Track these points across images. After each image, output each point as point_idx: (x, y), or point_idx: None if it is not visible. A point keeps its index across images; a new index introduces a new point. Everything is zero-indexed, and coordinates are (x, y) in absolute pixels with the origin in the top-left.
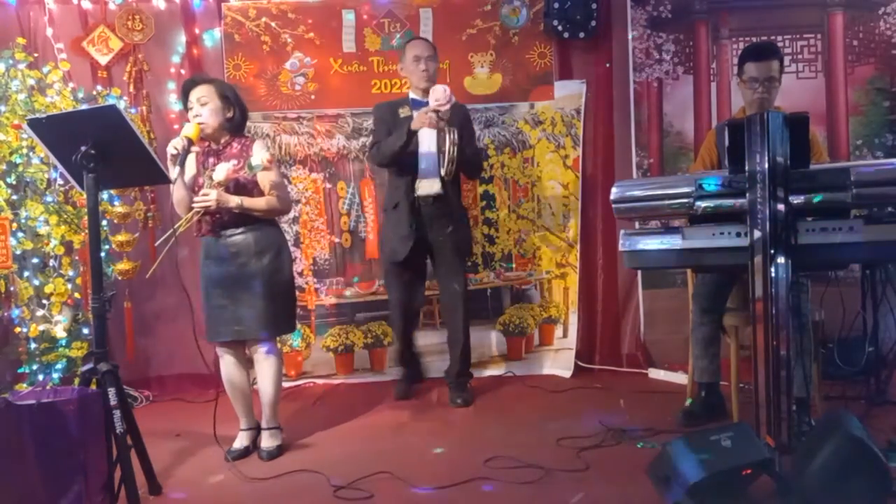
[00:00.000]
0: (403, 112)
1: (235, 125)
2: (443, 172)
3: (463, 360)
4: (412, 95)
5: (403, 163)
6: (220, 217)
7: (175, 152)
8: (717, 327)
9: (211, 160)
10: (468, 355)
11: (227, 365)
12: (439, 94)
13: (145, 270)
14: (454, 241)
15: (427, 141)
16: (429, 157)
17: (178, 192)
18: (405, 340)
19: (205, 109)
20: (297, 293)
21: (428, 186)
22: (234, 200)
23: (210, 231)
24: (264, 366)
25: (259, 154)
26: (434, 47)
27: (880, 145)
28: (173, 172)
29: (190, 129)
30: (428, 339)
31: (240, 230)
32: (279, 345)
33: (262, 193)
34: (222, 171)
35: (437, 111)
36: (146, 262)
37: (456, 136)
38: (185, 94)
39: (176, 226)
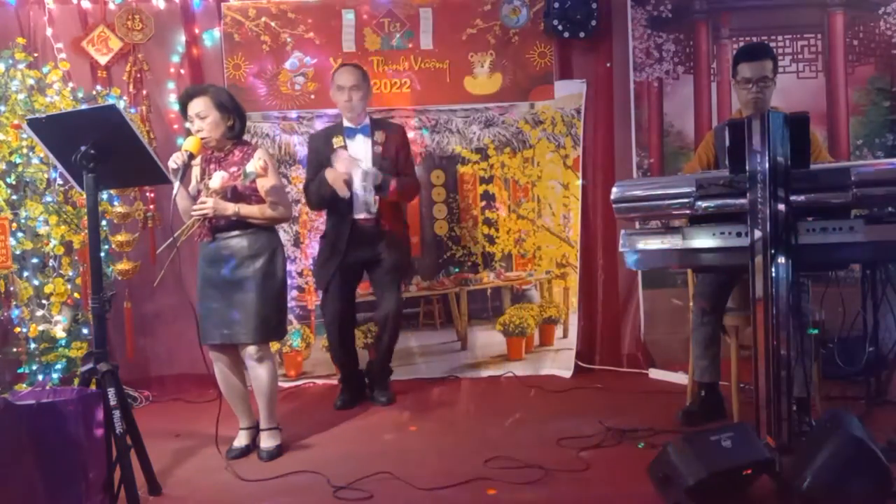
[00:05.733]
0: (337, 142)
1: (237, 132)
2: (371, 202)
3: (385, 358)
4: (345, 122)
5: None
6: (218, 221)
7: (175, 166)
8: (718, 327)
9: (212, 167)
10: (390, 357)
11: (220, 367)
12: (344, 166)
13: (145, 270)
14: (390, 260)
15: (357, 175)
16: (358, 192)
17: (181, 203)
18: (346, 359)
19: (205, 123)
20: (297, 293)
21: (363, 210)
22: (230, 208)
23: (207, 235)
24: (257, 371)
25: (253, 161)
26: (362, 74)
27: (881, 145)
28: (174, 186)
29: (190, 143)
30: (428, 340)
31: (235, 233)
32: (276, 346)
33: (263, 200)
34: (217, 179)
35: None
36: (146, 262)
37: (378, 178)
38: (182, 106)
39: (176, 234)
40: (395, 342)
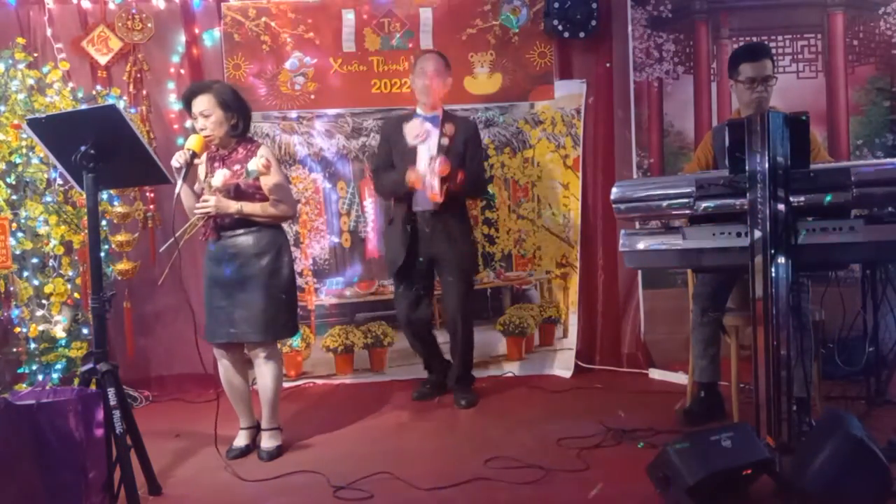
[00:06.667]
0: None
1: (240, 130)
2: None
3: (463, 366)
4: (418, 110)
5: None
6: (222, 219)
7: (178, 165)
8: (718, 327)
9: (216, 165)
10: (469, 363)
11: (224, 366)
12: (416, 131)
13: (145, 270)
14: (454, 256)
15: (423, 161)
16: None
17: (186, 202)
18: (425, 351)
19: (209, 122)
20: (297, 293)
21: (424, 202)
22: (233, 206)
23: (213, 233)
24: (263, 369)
25: (255, 160)
26: (445, 63)
27: (881, 145)
28: (178, 185)
29: (193, 142)
30: None
31: (240, 231)
32: (279, 345)
33: (266, 198)
34: (220, 177)
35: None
36: (146, 262)
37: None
38: (186, 104)
39: (178, 233)
40: (470, 347)
